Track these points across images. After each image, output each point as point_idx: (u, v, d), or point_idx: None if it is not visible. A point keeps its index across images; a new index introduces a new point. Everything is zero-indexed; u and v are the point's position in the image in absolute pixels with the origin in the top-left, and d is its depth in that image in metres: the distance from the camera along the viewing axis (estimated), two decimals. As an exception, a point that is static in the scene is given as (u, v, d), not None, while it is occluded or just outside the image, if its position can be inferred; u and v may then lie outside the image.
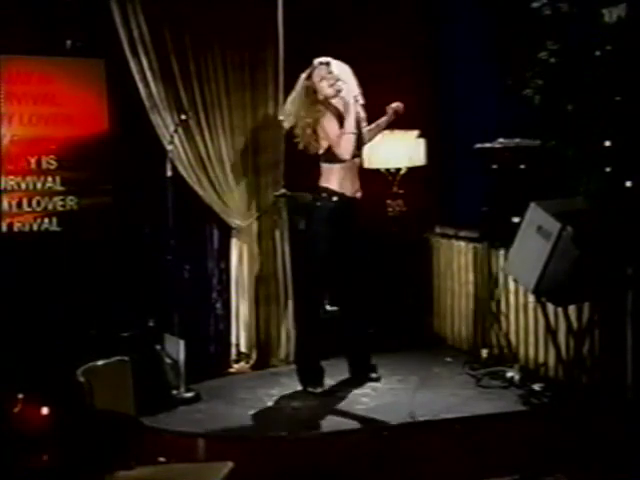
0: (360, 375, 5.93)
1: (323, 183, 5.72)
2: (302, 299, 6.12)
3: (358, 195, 5.78)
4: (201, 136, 6.21)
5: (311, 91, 5.69)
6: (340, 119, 5.65)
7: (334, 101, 5.71)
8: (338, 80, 5.67)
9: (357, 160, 5.80)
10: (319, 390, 5.73)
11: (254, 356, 6.41)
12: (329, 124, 5.64)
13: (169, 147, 5.85)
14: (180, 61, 6.11)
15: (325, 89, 5.68)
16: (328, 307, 6.46)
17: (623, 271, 4.80)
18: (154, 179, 5.93)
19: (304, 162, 5.90)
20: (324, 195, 5.70)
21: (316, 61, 5.72)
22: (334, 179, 5.69)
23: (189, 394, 5.63)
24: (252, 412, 5.45)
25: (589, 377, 5.24)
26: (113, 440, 3.63)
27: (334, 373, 5.93)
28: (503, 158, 5.94)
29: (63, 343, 5.76)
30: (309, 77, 5.71)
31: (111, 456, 3.61)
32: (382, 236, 6.73)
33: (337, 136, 5.61)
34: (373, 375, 5.93)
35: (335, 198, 5.68)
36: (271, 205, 6.43)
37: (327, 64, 5.70)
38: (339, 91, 5.67)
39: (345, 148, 5.61)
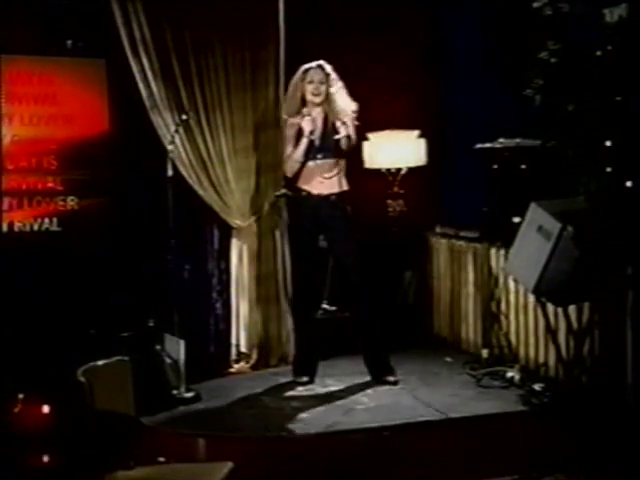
0: (377, 377, 5.83)
1: (294, 183, 5.88)
2: (292, 297, 6.25)
3: (326, 192, 5.73)
4: (202, 136, 6.21)
5: (296, 88, 5.78)
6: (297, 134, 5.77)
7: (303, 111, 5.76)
8: (323, 95, 5.70)
9: (320, 162, 5.74)
10: (304, 380, 5.81)
11: (254, 356, 6.40)
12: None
13: (170, 147, 5.84)
14: (181, 61, 6.11)
15: (307, 93, 5.74)
16: (326, 306, 6.49)
17: (623, 271, 4.81)
18: (154, 179, 5.93)
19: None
20: (292, 195, 5.94)
21: (316, 63, 5.72)
22: (300, 178, 5.81)
23: (189, 394, 5.62)
24: (252, 412, 5.45)
25: (589, 377, 5.23)
26: (113, 440, 3.64)
27: (334, 373, 5.92)
28: (503, 158, 5.94)
29: (63, 343, 5.77)
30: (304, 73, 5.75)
31: (111, 456, 3.62)
32: (382, 236, 6.73)
33: (286, 156, 5.83)
34: (390, 378, 5.80)
35: (297, 195, 5.84)
36: (271, 205, 6.43)
37: (322, 69, 5.71)
38: (317, 103, 5.72)
39: (286, 169, 5.86)
